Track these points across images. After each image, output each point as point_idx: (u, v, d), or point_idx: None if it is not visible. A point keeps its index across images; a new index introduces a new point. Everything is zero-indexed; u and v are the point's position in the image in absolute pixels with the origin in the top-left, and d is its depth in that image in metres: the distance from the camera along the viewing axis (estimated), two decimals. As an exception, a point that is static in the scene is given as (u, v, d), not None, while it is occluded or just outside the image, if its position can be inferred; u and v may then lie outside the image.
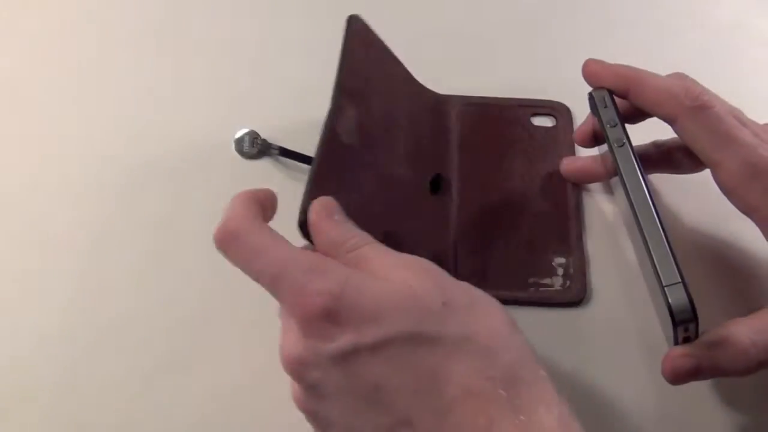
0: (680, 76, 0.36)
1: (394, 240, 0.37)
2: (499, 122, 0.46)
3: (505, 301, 0.31)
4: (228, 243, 0.30)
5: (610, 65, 0.38)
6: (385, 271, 0.30)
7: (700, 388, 0.37)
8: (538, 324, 0.37)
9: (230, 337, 0.39)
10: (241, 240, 0.30)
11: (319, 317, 0.28)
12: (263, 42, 0.50)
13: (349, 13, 0.49)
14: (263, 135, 0.45)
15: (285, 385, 0.31)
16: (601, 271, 0.40)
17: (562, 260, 0.40)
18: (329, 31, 0.49)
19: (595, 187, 0.44)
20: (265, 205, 0.32)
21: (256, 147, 0.44)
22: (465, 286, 0.30)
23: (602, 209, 0.43)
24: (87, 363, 0.38)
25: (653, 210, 0.33)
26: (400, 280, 0.30)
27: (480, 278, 0.39)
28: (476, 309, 0.29)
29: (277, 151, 0.44)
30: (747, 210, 0.35)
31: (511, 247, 0.41)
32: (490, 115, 0.46)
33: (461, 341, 0.28)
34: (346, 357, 0.28)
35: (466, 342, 0.28)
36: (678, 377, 0.32)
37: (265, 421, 0.36)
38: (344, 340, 0.28)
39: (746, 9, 0.51)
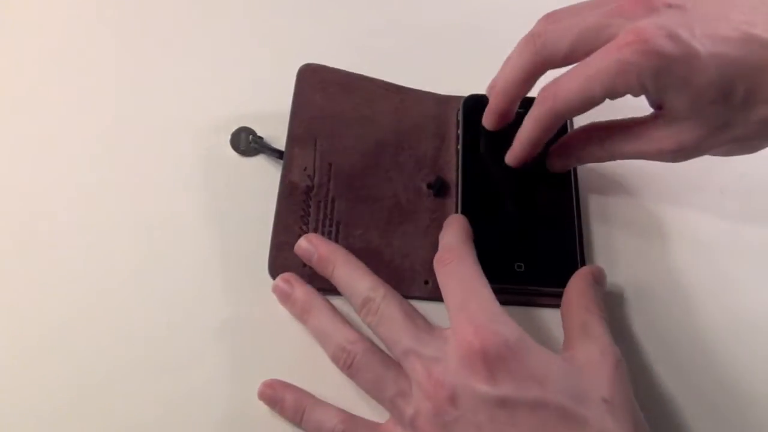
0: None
1: (385, 241, 0.41)
2: None
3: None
4: (447, 263, 0.35)
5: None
6: (576, 344, 0.34)
7: (715, 386, 0.37)
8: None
9: (227, 338, 0.39)
10: (463, 262, 0.35)
11: (485, 358, 0.30)
12: (260, 38, 0.49)
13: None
14: (260, 132, 0.44)
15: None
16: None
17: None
18: (329, 28, 0.50)
19: (594, 182, 0.43)
20: (470, 233, 0.38)
21: (252, 144, 0.44)
22: (631, 398, 0.32)
23: (603, 202, 0.43)
24: (82, 363, 0.38)
25: (459, 206, 0.41)
26: (580, 359, 0.32)
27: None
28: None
29: (269, 151, 0.43)
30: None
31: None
32: None
33: None
34: (504, 404, 0.30)
35: None
36: None
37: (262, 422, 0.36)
38: (506, 388, 0.30)
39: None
